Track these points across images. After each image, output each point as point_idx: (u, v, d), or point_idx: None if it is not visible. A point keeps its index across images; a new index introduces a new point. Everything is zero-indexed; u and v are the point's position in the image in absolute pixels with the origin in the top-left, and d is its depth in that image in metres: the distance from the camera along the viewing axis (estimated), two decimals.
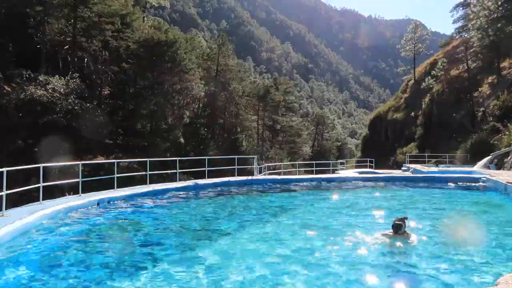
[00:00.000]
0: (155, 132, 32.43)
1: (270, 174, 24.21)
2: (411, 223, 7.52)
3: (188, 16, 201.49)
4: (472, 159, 26.97)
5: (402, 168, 27.65)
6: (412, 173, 21.58)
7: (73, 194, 11.37)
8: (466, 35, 44.59)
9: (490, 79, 37.21)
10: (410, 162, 30.83)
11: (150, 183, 13.25)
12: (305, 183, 16.17)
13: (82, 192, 10.79)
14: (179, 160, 15.19)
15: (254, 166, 18.65)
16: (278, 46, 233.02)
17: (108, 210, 9.87)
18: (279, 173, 25.94)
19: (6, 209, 7.88)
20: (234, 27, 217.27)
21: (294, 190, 14.80)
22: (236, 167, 17.04)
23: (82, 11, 29.40)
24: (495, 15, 33.31)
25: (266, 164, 27.53)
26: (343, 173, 24.58)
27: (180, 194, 12.74)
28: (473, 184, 15.19)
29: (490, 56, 36.36)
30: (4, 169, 7.51)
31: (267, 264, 5.75)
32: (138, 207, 10.55)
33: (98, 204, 10.17)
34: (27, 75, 24.78)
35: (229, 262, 5.92)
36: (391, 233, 6.68)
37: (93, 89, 30.80)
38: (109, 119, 28.23)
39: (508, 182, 12.62)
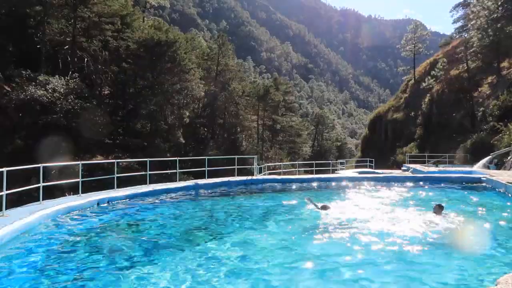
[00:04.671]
0: (155, 132, 32.44)
1: (270, 174, 24.21)
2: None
3: (188, 16, 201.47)
4: (472, 159, 26.97)
5: (402, 168, 27.63)
6: (412, 173, 21.57)
7: (73, 194, 11.37)
8: (466, 35, 44.59)
9: (490, 79, 37.21)
10: (410, 162, 30.81)
11: (150, 183, 13.25)
12: (305, 183, 16.17)
13: (82, 192, 10.79)
14: (179, 160, 15.20)
15: (254, 166, 18.63)
16: (278, 46, 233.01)
17: (108, 210, 9.87)
18: (279, 173, 25.94)
19: (6, 209, 7.87)
20: (234, 27, 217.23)
21: (294, 190, 14.80)
22: (236, 167, 17.03)
23: (82, 11, 29.43)
24: (495, 15, 33.30)
25: (266, 164, 27.53)
26: (343, 173, 24.57)
27: (180, 194, 12.73)
28: (473, 184, 15.18)
29: (490, 56, 36.36)
30: (4, 169, 7.50)
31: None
32: (138, 207, 10.55)
33: (98, 204, 10.17)
34: (27, 75, 24.79)
35: (225, 264, 5.92)
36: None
37: (93, 89, 30.83)
38: (109, 119, 28.25)
39: (508, 182, 12.62)
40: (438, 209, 8.92)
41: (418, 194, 13.52)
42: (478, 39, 35.56)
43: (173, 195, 12.56)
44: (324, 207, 9.68)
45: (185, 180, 15.55)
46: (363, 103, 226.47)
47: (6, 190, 7.70)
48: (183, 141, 35.20)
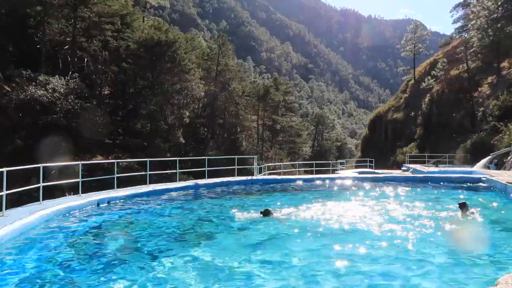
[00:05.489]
0: (155, 132, 32.44)
1: (270, 174, 24.20)
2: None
3: (188, 16, 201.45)
4: (472, 159, 26.97)
5: (402, 168, 27.64)
6: (412, 173, 21.58)
7: (73, 194, 11.37)
8: (466, 35, 44.62)
9: (490, 79, 37.22)
10: (410, 162, 30.82)
11: (150, 183, 13.25)
12: (305, 183, 16.17)
13: (82, 192, 10.80)
14: (179, 160, 15.20)
15: (254, 166, 18.64)
16: (278, 46, 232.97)
17: (108, 210, 9.88)
18: (279, 173, 25.94)
19: (6, 209, 7.87)
20: (234, 27, 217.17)
21: (293, 190, 14.81)
22: (236, 167, 17.04)
23: (82, 11, 29.43)
24: (495, 15, 33.30)
25: (266, 164, 27.53)
26: (342, 173, 24.57)
27: (180, 194, 12.74)
28: (473, 184, 15.19)
29: (490, 56, 36.37)
30: (4, 169, 7.50)
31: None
32: (138, 207, 10.55)
33: (98, 204, 10.17)
34: (27, 75, 24.78)
35: (223, 264, 5.92)
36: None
37: (93, 89, 30.82)
38: (109, 119, 28.24)
39: (508, 182, 12.62)
40: (463, 207, 8.86)
41: (418, 194, 13.52)
42: (478, 39, 35.55)
43: (173, 195, 12.57)
44: (266, 212, 8.90)
45: (185, 180, 15.56)
46: (363, 103, 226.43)
47: (6, 190, 7.70)
48: (183, 141, 35.19)
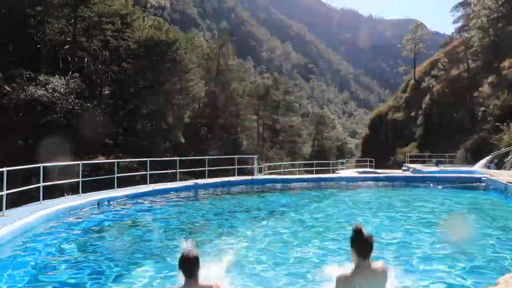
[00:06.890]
0: (155, 132, 32.40)
1: (270, 174, 24.19)
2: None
3: (188, 16, 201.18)
4: (472, 159, 26.96)
5: (402, 168, 27.63)
6: (412, 173, 21.57)
7: (73, 194, 11.37)
8: (466, 35, 44.62)
9: (490, 79, 37.18)
10: (410, 162, 30.81)
11: (150, 183, 13.25)
12: (305, 183, 16.17)
13: (82, 192, 10.80)
14: (179, 160, 15.20)
15: (254, 166, 18.63)
16: (278, 46, 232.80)
17: (108, 210, 9.88)
18: (279, 173, 25.92)
19: (6, 209, 7.87)
20: (234, 27, 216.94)
21: (294, 190, 14.80)
22: (236, 167, 17.04)
23: (82, 11, 29.40)
24: (496, 15, 33.28)
25: (266, 164, 27.52)
26: (343, 173, 24.57)
27: (180, 194, 12.74)
28: (473, 184, 15.19)
29: (490, 55, 36.33)
30: (4, 169, 7.51)
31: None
32: (138, 207, 10.56)
33: (98, 204, 10.17)
34: (27, 75, 24.74)
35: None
36: None
37: (93, 89, 30.77)
38: (109, 119, 28.20)
39: (508, 182, 12.61)
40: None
41: (419, 194, 13.52)
42: (478, 39, 35.53)
43: (173, 195, 12.57)
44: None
45: (185, 180, 15.56)
46: (363, 103, 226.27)
47: (6, 190, 7.70)
48: (183, 141, 35.18)
